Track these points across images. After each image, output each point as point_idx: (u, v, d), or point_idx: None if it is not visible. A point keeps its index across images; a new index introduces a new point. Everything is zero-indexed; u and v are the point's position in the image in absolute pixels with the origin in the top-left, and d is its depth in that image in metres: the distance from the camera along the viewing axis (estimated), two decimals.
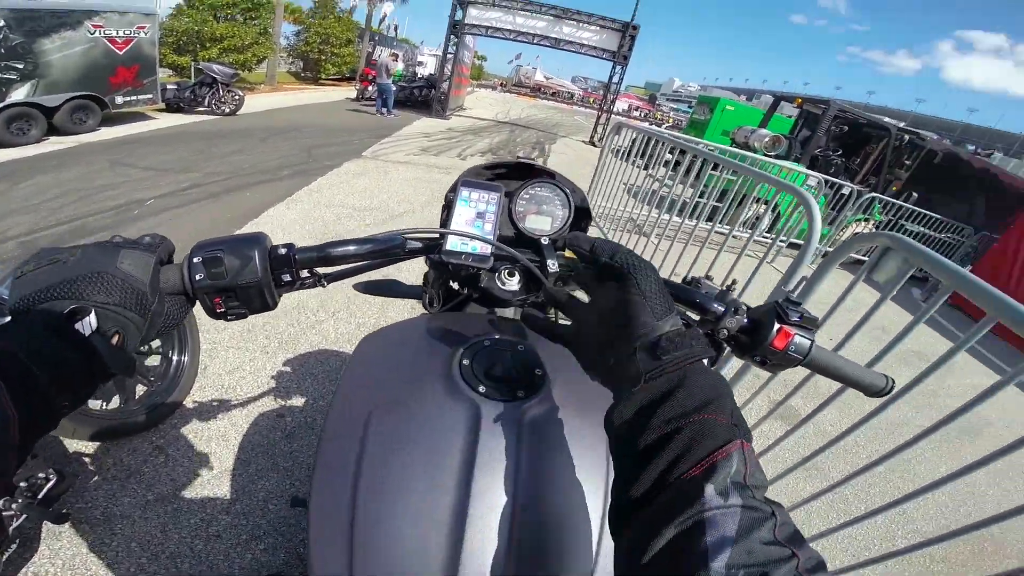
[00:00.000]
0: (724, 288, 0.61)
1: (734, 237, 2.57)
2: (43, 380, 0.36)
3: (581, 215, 0.87)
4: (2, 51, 5.95)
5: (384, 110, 12.57)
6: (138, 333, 0.45)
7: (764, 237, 5.31)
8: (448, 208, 0.76)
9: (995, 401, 1.08)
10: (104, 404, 1.74)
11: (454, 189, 0.74)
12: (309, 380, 2.23)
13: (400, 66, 18.27)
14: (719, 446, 0.33)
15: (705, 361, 0.39)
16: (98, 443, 1.70)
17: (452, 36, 13.73)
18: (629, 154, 4.36)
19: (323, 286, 0.59)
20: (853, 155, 7.39)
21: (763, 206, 4.71)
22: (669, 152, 3.91)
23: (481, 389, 0.53)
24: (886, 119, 7.66)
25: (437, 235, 0.65)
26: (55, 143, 6.28)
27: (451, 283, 0.81)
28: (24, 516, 1.22)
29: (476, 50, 24.60)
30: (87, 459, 1.67)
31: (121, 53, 7.48)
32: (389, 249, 0.60)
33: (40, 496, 1.26)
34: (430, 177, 6.48)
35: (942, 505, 2.39)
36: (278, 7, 18.39)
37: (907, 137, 7.06)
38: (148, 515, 1.53)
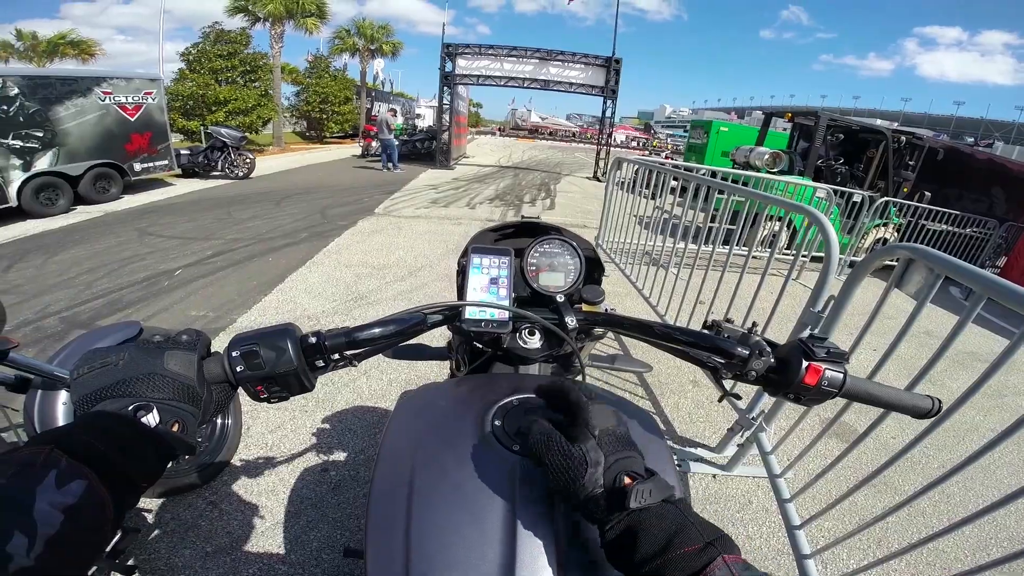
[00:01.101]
0: (746, 331, 0.62)
1: (754, 257, 2.59)
2: (121, 464, 0.42)
3: (592, 266, 0.91)
4: (21, 119, 6.17)
5: (390, 165, 12.92)
6: (195, 420, 0.50)
7: (785, 254, 5.32)
8: (462, 274, 0.80)
9: None
10: None
11: (465, 254, 0.77)
12: (349, 435, 2.25)
13: (400, 120, 18.93)
14: (696, 572, 0.36)
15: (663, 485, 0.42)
16: (156, 500, 1.78)
17: (445, 87, 14.23)
18: (634, 185, 4.46)
19: (354, 366, 0.63)
20: (856, 162, 7.36)
21: (777, 223, 4.73)
22: (674, 179, 4.00)
23: (515, 448, 0.55)
24: (878, 122, 7.74)
25: (456, 307, 0.68)
26: (83, 213, 6.55)
27: (475, 344, 0.83)
28: (95, 568, 1.24)
29: (471, 98, 25.53)
30: (147, 515, 1.74)
31: (133, 119, 7.79)
32: (412, 328, 0.64)
33: (107, 550, 1.28)
34: (442, 229, 6.60)
35: None
36: (276, 68, 19.39)
37: (903, 138, 7.07)
38: (208, 566, 1.58)
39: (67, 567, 0.36)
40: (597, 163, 15.13)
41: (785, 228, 5.16)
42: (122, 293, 3.82)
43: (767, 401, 2.03)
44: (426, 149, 16.49)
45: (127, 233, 5.59)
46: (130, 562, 1.49)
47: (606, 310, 0.79)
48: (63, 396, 1.39)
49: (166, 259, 4.68)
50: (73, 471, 0.38)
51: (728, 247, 2.67)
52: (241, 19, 19.44)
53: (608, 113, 14.78)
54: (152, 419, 0.46)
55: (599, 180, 14.18)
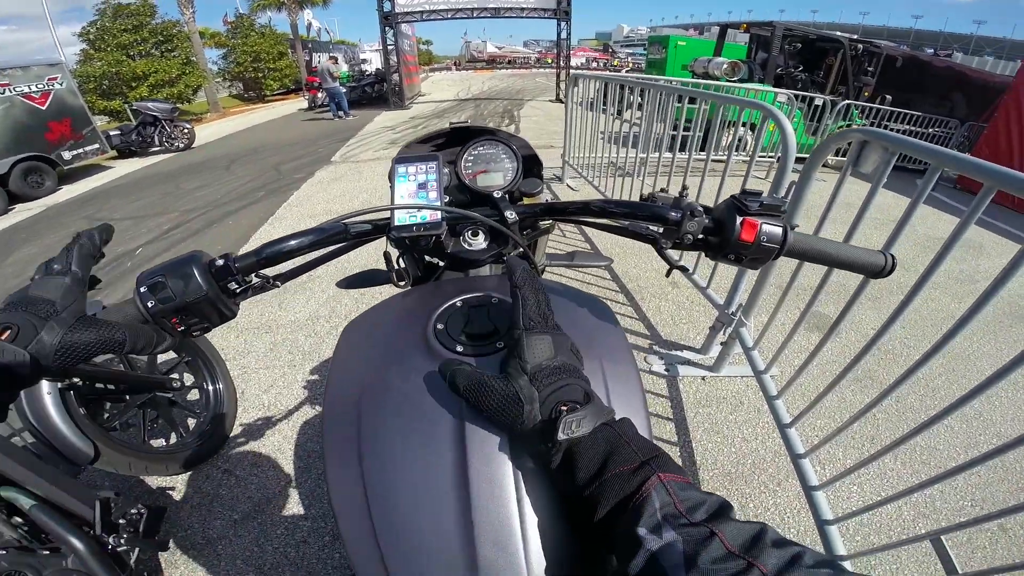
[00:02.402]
0: (677, 196, 0.60)
1: (716, 161, 2.59)
2: None
3: (530, 163, 0.87)
4: None
5: (340, 113, 12.35)
6: (31, 332, 0.46)
7: (746, 157, 5.33)
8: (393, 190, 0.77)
9: None
10: (165, 441, 1.87)
11: (391, 169, 0.74)
12: None
13: (344, 67, 17.78)
14: (633, 491, 0.35)
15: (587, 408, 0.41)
16: (175, 476, 1.81)
17: (387, 27, 13.36)
18: (594, 104, 4.34)
19: (277, 286, 0.60)
20: (815, 70, 7.46)
21: (742, 128, 4.69)
22: (640, 95, 3.89)
23: (459, 349, 0.53)
24: (837, 33, 7.77)
25: (382, 215, 0.64)
26: (23, 211, 6.18)
27: (425, 258, 0.80)
28: (137, 550, 1.28)
29: (418, 36, 23.97)
30: (171, 492, 1.78)
31: (44, 108, 7.42)
32: (332, 237, 0.60)
33: (141, 530, 1.32)
34: None
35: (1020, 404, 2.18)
36: (193, 35, 17.75)
37: (861, 47, 7.18)
38: (240, 533, 1.63)
39: None
40: (558, 85, 14.72)
41: (750, 132, 5.16)
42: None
43: (743, 295, 2.02)
44: (377, 93, 15.82)
45: (75, 223, 5.28)
46: (166, 538, 1.52)
47: (546, 200, 0.76)
48: (46, 387, 1.38)
49: (122, 241, 4.45)
50: None
51: (693, 153, 2.65)
52: None
53: (563, 35, 14.21)
54: None
55: (561, 102, 13.74)
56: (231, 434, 1.99)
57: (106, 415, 1.62)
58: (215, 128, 12.99)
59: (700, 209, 0.57)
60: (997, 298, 1.00)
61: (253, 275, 0.57)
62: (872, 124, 6.59)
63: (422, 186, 0.67)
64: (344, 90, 12.63)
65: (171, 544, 1.57)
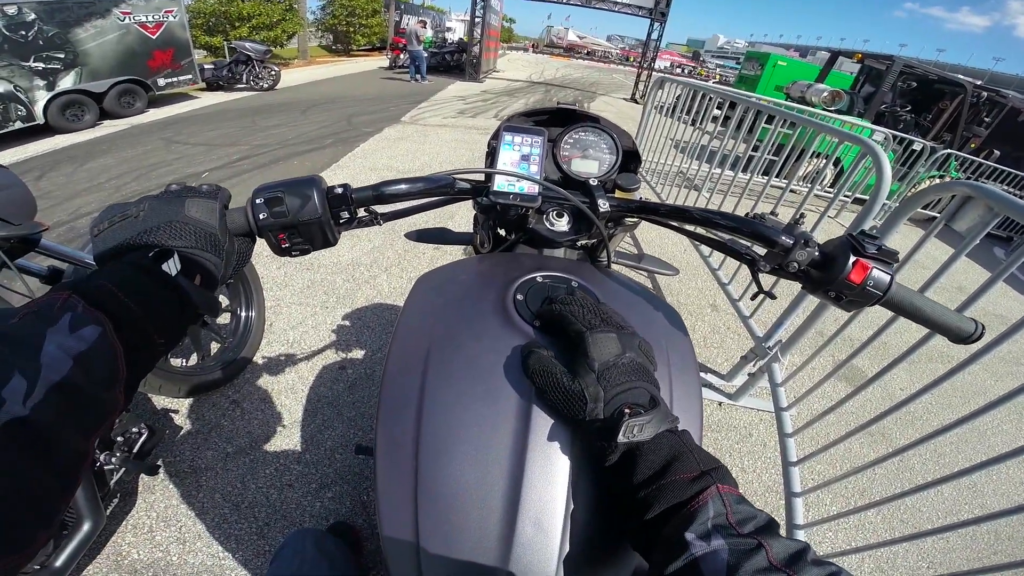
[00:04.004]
0: (792, 222, 0.58)
1: (792, 191, 2.43)
2: (140, 316, 0.38)
3: (629, 157, 0.86)
4: (41, 43, 6.29)
5: (418, 76, 12.49)
6: (216, 271, 0.48)
7: (826, 192, 5.03)
8: (492, 155, 0.76)
9: None
10: (184, 362, 1.88)
11: (496, 136, 0.73)
12: (367, 333, 2.31)
13: (429, 33, 17.99)
14: (691, 498, 0.36)
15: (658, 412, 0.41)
16: (182, 399, 1.83)
17: (478, 0, 13.34)
18: (674, 110, 4.16)
19: (379, 224, 0.61)
20: (924, 112, 6.83)
21: (823, 160, 4.41)
22: (717, 108, 3.71)
23: (537, 323, 0.53)
24: (960, 76, 7.05)
25: (485, 176, 0.66)
26: (109, 127, 6.60)
27: (499, 229, 0.81)
28: (123, 470, 1.30)
29: (504, 13, 23.87)
30: (173, 415, 1.80)
31: (154, 37, 7.79)
32: (439, 188, 0.62)
33: (135, 450, 1.33)
34: (469, 138, 6.46)
35: (1018, 481, 2.18)
36: None
37: (985, 94, 6.49)
38: (229, 467, 1.64)
39: (66, 427, 0.31)
40: (636, 85, 14.23)
41: (832, 166, 4.85)
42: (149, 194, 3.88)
43: (784, 332, 1.98)
44: (455, 62, 15.84)
45: (153, 142, 5.60)
46: (156, 463, 1.53)
47: (641, 199, 0.74)
48: None
49: (192, 164, 4.70)
50: (88, 316, 0.35)
51: (767, 178, 2.50)
52: None
53: (655, 36, 13.71)
54: (172, 267, 0.44)
55: (636, 102, 13.39)
56: (249, 365, 2.02)
57: None
58: (300, 74, 13.39)
59: (815, 242, 0.55)
60: None
61: (362, 209, 0.58)
62: (968, 179, 6.04)
63: (525, 157, 0.68)
64: (426, 55, 12.76)
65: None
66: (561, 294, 0.56)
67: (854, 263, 0.51)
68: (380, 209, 0.61)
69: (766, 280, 0.63)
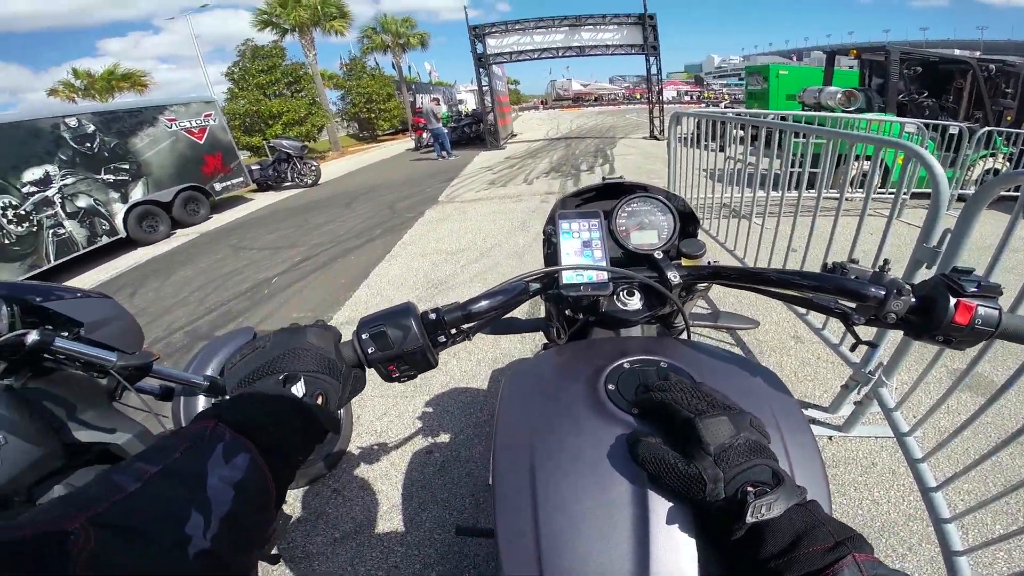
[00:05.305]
0: (878, 269, 0.56)
1: (847, 200, 2.39)
2: (279, 437, 0.42)
3: (687, 220, 0.86)
4: (106, 154, 6.76)
5: (444, 153, 13.18)
6: (336, 395, 0.52)
7: (879, 194, 4.87)
8: (549, 243, 0.78)
9: None
10: None
11: (552, 222, 0.75)
12: (447, 417, 2.38)
13: (444, 108, 19.09)
14: (823, 567, 0.35)
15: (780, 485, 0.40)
16: (290, 491, 1.96)
17: (480, 69, 14.08)
18: (698, 140, 4.22)
19: (469, 339, 0.63)
20: (942, 94, 6.68)
21: (866, 163, 4.31)
22: (740, 128, 3.74)
23: (634, 411, 0.53)
24: (956, 52, 6.88)
25: (553, 273, 0.67)
26: (181, 236, 7.22)
27: (567, 312, 0.80)
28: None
29: (508, 76, 25.31)
30: (284, 507, 1.90)
31: (201, 142, 8.37)
32: (517, 295, 0.64)
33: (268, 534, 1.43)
34: (505, 208, 6.67)
35: None
36: (316, 76, 20.06)
37: (992, 66, 6.29)
38: (337, 551, 1.72)
39: (239, 551, 0.34)
40: (651, 122, 14.49)
41: (878, 168, 4.69)
42: (230, 305, 4.23)
43: (884, 353, 1.87)
44: (474, 132, 16.57)
45: (223, 250, 6.14)
46: (275, 551, 1.60)
47: (709, 263, 0.74)
48: (202, 401, 1.57)
49: (261, 269, 5.11)
50: (237, 444, 0.38)
51: (816, 191, 2.48)
52: (270, 32, 20.34)
53: (654, 70, 14.08)
54: (299, 389, 0.48)
55: (657, 139, 13.54)
56: (345, 456, 2.14)
57: None
58: (337, 166, 14.48)
59: (907, 288, 0.53)
60: None
61: (455, 328, 0.60)
62: (1022, 152, 5.70)
63: (586, 244, 0.69)
64: (446, 131, 13.51)
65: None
66: (653, 378, 0.56)
67: (956, 305, 0.49)
68: (469, 325, 0.62)
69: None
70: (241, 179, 9.32)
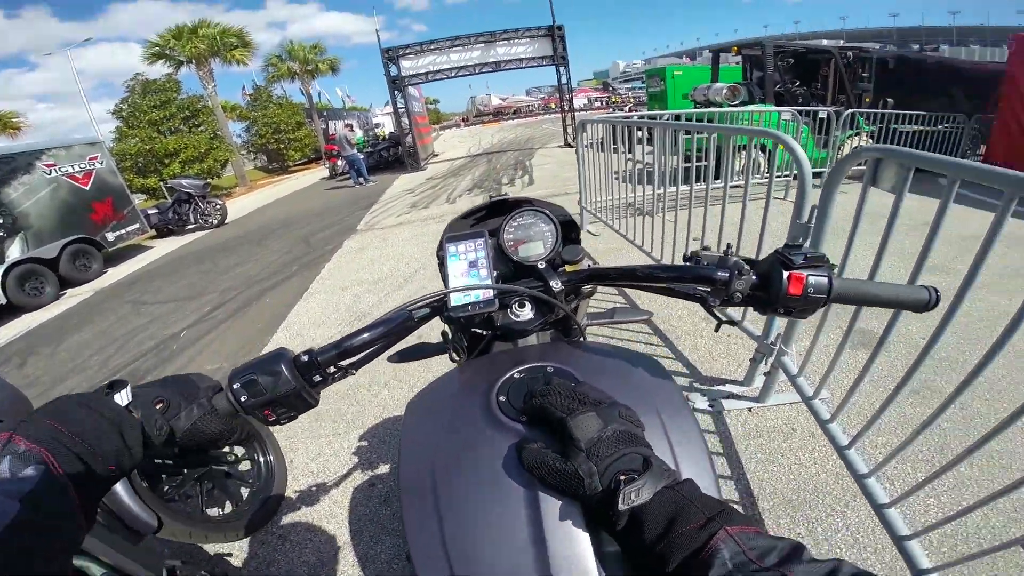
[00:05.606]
0: (723, 254, 0.61)
1: (736, 187, 2.62)
2: (88, 448, 0.43)
3: (568, 229, 0.91)
4: None
5: (361, 180, 12.86)
6: (183, 402, 0.56)
7: (763, 180, 5.34)
8: (442, 264, 0.80)
9: None
10: (220, 510, 1.92)
11: (441, 247, 0.77)
12: (384, 447, 2.31)
13: (359, 134, 18.64)
14: (701, 546, 0.37)
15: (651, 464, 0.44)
16: (233, 543, 1.86)
17: (395, 91, 14.02)
18: (603, 145, 4.46)
19: (352, 375, 0.65)
20: (812, 82, 7.60)
21: (758, 152, 4.74)
22: (639, 130, 3.99)
23: (523, 418, 0.55)
24: (824, 42, 7.97)
25: (438, 298, 0.69)
26: (73, 296, 6.50)
27: (472, 329, 0.82)
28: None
29: (426, 96, 25.42)
30: (229, 558, 1.83)
31: (87, 188, 7.49)
32: (400, 326, 0.65)
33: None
34: (427, 230, 6.58)
35: None
36: (216, 108, 18.80)
37: (850, 53, 7.30)
38: None
39: (36, 556, 0.36)
40: (565, 130, 15.10)
41: (763, 155, 5.20)
42: (136, 365, 3.86)
43: (782, 323, 1.99)
44: (393, 156, 16.37)
45: (122, 308, 5.60)
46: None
47: (588, 266, 0.79)
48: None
49: (167, 324, 4.70)
50: (30, 456, 0.39)
51: (706, 184, 2.69)
52: (163, 65, 18.98)
53: (564, 80, 14.69)
54: (123, 398, 0.49)
55: (570, 146, 14.07)
56: (284, 501, 2.04)
57: (164, 487, 1.68)
58: (245, 201, 13.71)
59: (747, 267, 0.58)
60: None
61: (332, 366, 0.61)
62: (880, 129, 6.54)
63: (472, 264, 0.71)
64: (362, 156, 13.25)
65: None
66: (539, 385, 0.58)
67: (789, 278, 0.54)
68: (349, 360, 0.63)
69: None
70: (137, 226, 8.50)
